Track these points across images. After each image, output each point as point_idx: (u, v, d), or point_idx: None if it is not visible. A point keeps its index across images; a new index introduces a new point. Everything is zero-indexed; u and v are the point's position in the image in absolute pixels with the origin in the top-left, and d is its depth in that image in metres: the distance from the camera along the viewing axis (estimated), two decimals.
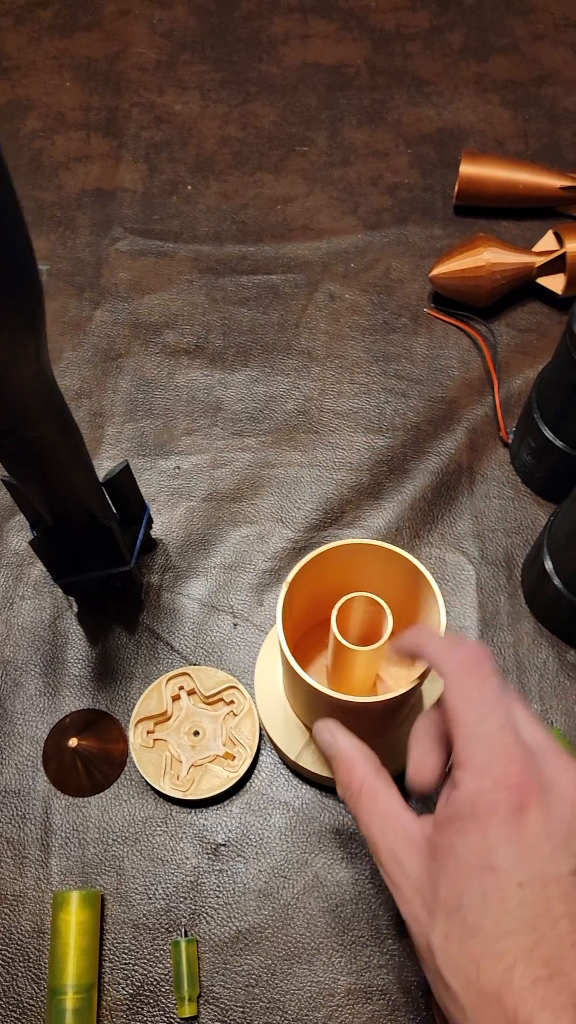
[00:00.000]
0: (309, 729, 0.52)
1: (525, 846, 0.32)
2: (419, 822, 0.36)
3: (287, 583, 0.45)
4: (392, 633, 0.43)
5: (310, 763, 0.52)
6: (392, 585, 0.47)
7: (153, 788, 0.54)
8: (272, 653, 0.56)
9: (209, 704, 0.56)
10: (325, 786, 0.55)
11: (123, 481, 0.54)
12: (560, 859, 0.32)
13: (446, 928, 0.32)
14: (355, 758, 0.40)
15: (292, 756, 0.52)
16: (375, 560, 0.46)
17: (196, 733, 0.55)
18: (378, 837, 0.37)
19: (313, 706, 0.47)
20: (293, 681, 0.45)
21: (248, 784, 0.55)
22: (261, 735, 0.55)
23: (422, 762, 0.38)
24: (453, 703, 0.35)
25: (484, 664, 0.36)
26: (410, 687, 0.42)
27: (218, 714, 0.56)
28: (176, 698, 0.57)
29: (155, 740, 0.55)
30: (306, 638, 0.55)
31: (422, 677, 0.43)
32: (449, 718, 0.35)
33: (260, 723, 0.55)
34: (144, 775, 0.54)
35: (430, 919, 0.33)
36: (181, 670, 0.57)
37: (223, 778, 0.54)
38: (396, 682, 0.52)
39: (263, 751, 0.56)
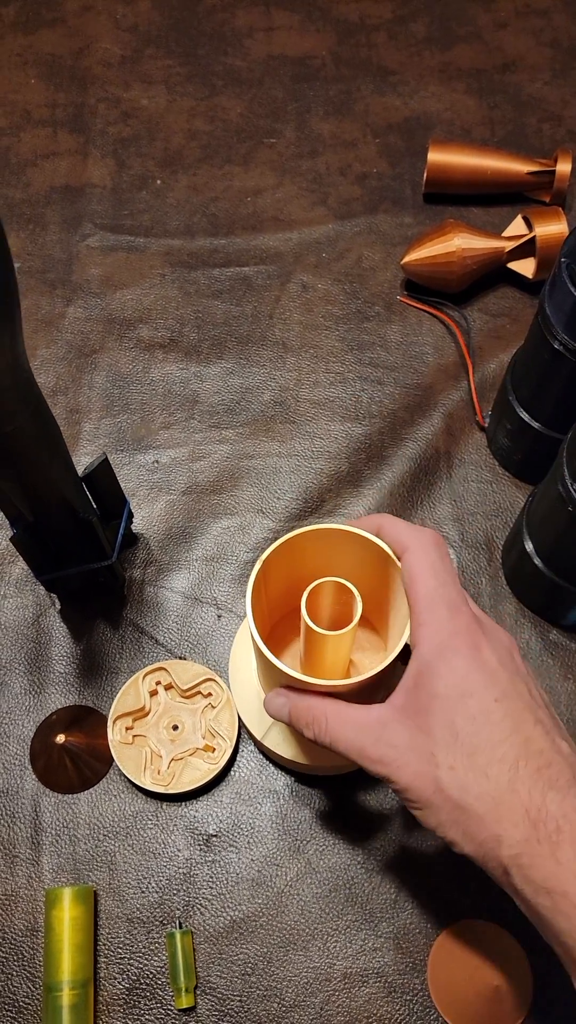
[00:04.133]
0: None
1: (489, 672, 0.38)
2: (383, 707, 0.40)
3: (256, 569, 0.45)
4: (361, 617, 0.43)
5: (275, 743, 0.52)
6: (365, 570, 0.47)
7: (133, 784, 0.54)
8: (247, 639, 0.56)
9: (187, 698, 0.56)
10: (299, 774, 0.55)
11: (102, 475, 0.54)
12: (516, 681, 0.39)
13: (450, 759, 0.37)
14: (308, 700, 0.43)
15: (259, 736, 0.53)
16: (347, 545, 0.46)
17: (175, 727, 0.55)
18: (360, 738, 0.40)
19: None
20: (265, 666, 0.45)
21: (235, 774, 0.55)
22: (240, 725, 0.55)
23: None
24: (417, 571, 0.41)
25: (443, 546, 0.42)
26: (380, 668, 0.42)
27: (196, 707, 0.56)
28: (154, 693, 0.56)
29: (134, 736, 0.55)
30: (281, 624, 0.55)
31: (394, 661, 0.43)
32: (411, 585, 0.41)
33: (237, 710, 0.55)
34: (124, 771, 0.54)
35: (432, 762, 0.37)
36: (157, 665, 0.57)
37: (204, 771, 0.54)
38: (369, 670, 0.52)
39: (243, 741, 0.56)
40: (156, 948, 0.51)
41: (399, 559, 0.43)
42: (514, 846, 0.35)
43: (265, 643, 0.44)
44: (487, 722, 0.37)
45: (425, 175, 0.76)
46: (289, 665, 0.43)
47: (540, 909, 0.34)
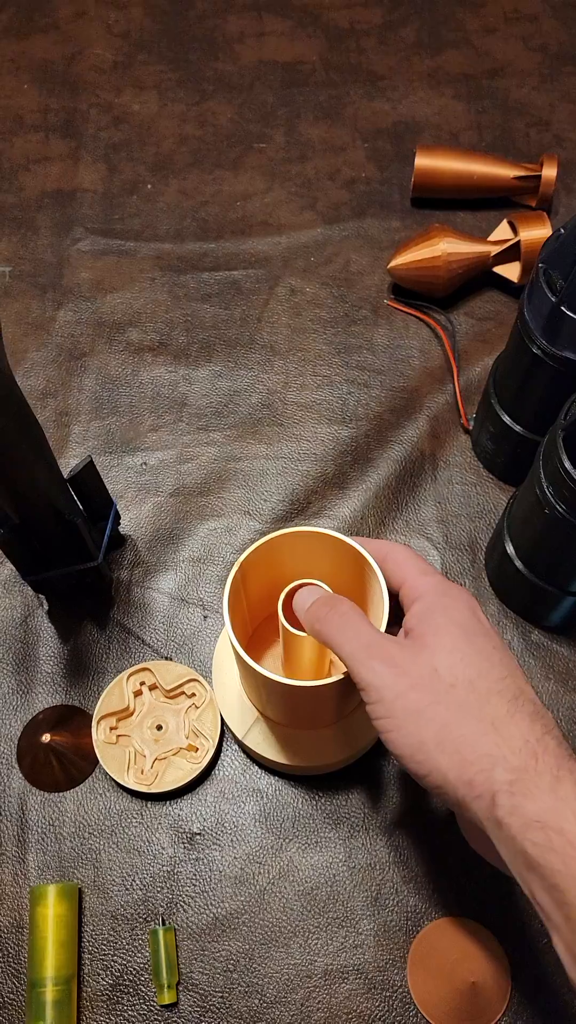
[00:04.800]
0: (259, 711, 0.53)
1: (486, 629, 0.40)
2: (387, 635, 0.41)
3: (233, 572, 0.45)
4: None
5: (256, 743, 0.53)
6: (342, 572, 0.48)
7: (118, 784, 0.55)
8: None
9: (171, 698, 0.57)
10: (282, 774, 0.55)
11: (88, 477, 0.55)
12: (505, 647, 0.40)
13: (451, 676, 0.37)
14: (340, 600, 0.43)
15: (240, 735, 0.53)
16: (324, 548, 0.47)
17: (159, 727, 0.56)
18: (366, 635, 0.40)
19: (264, 691, 0.48)
20: (244, 668, 0.46)
21: (218, 773, 0.56)
22: (223, 725, 0.56)
23: None
24: (405, 565, 0.43)
25: (419, 555, 0.45)
26: None
27: (180, 707, 0.57)
28: (138, 693, 0.57)
29: (118, 736, 0.56)
30: (263, 626, 0.56)
31: None
32: (399, 578, 0.43)
33: (220, 710, 0.55)
34: (108, 771, 0.54)
35: (434, 676, 0.37)
36: (141, 665, 0.57)
37: (186, 770, 0.55)
38: None
39: (226, 741, 0.56)
40: (139, 945, 0.51)
41: (383, 565, 0.45)
42: (510, 771, 0.33)
43: (247, 646, 0.44)
44: (488, 660, 0.37)
45: (412, 180, 0.77)
46: (271, 667, 0.44)
47: (527, 845, 0.32)
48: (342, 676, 0.42)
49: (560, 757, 0.33)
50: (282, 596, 0.44)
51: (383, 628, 0.43)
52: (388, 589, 0.44)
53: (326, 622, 0.41)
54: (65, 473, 0.53)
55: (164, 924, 0.51)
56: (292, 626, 0.44)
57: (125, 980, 0.50)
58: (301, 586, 0.45)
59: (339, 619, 0.41)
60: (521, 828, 0.32)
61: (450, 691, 0.36)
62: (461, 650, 0.38)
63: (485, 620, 0.41)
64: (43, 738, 0.54)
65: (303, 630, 0.44)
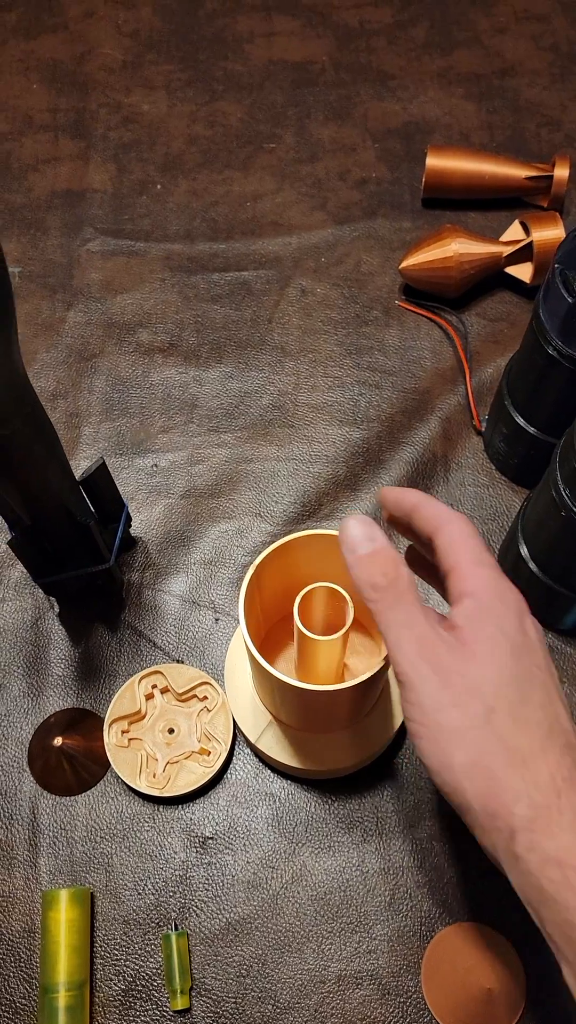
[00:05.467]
0: (272, 714, 0.53)
1: (530, 642, 0.37)
2: (441, 630, 0.38)
3: (248, 576, 0.45)
4: (353, 623, 0.44)
5: (268, 747, 0.53)
6: None
7: (129, 787, 0.54)
8: (243, 642, 0.57)
9: (182, 701, 0.57)
10: (294, 777, 0.55)
11: (100, 479, 0.54)
12: (549, 659, 0.38)
13: (492, 700, 0.35)
14: (399, 563, 0.39)
15: (253, 739, 0.53)
16: (339, 550, 0.46)
17: (171, 730, 0.56)
18: (418, 644, 0.37)
19: (278, 695, 0.47)
20: (258, 670, 0.46)
21: (230, 777, 0.55)
22: (235, 729, 0.56)
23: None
24: (460, 548, 0.39)
25: (477, 530, 0.40)
26: (372, 673, 0.42)
27: (192, 710, 0.56)
28: (150, 696, 0.57)
29: (130, 739, 0.55)
30: (277, 629, 0.55)
31: (385, 664, 0.43)
32: (451, 561, 0.39)
33: (232, 714, 0.55)
34: (120, 774, 0.54)
35: (476, 694, 0.35)
36: (153, 668, 0.57)
37: (199, 774, 0.54)
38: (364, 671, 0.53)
39: (239, 745, 0.56)
40: (152, 950, 0.51)
41: (434, 536, 0.40)
42: (532, 808, 0.33)
43: (260, 648, 0.44)
44: (529, 683, 0.36)
45: (424, 180, 0.76)
46: (284, 670, 0.44)
47: (544, 882, 0.32)
48: (358, 681, 0.42)
49: None
50: (298, 600, 0.44)
51: None
52: (435, 566, 0.41)
53: (382, 595, 0.38)
54: (77, 475, 0.53)
55: (176, 929, 0.51)
56: (308, 629, 0.44)
57: (137, 985, 0.50)
58: (314, 591, 0.45)
59: (394, 597, 0.37)
60: (539, 864, 0.32)
61: (489, 717, 0.35)
62: (508, 670, 0.36)
63: (532, 630, 0.38)
64: (55, 741, 0.54)
65: (319, 633, 0.44)
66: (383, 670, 0.43)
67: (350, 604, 0.44)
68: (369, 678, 0.43)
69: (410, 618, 0.37)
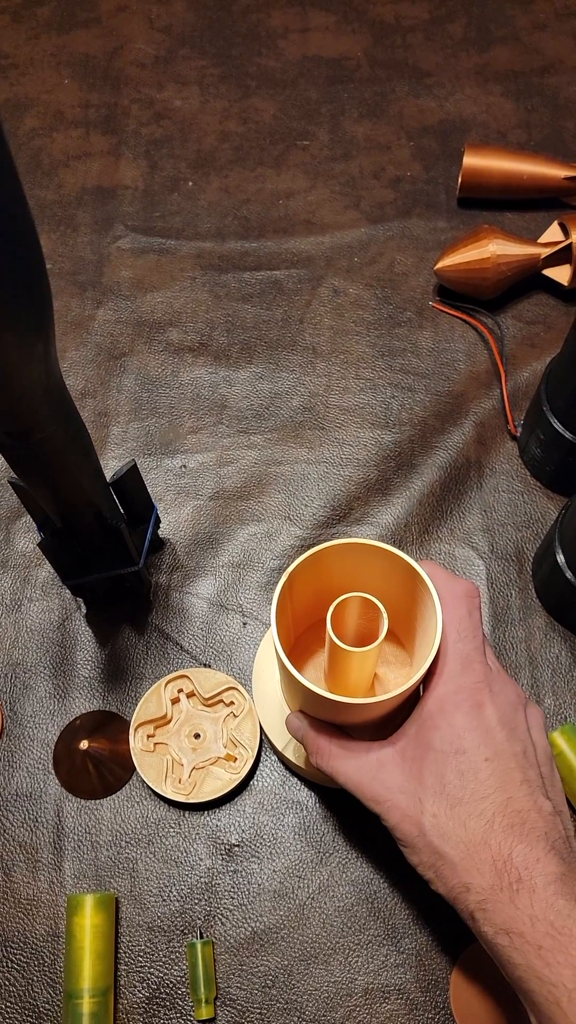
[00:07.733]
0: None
1: (485, 731, 0.40)
2: (386, 747, 0.43)
3: (281, 584, 0.44)
4: (388, 634, 0.43)
5: (297, 756, 0.52)
6: (391, 584, 0.46)
7: (155, 792, 0.54)
8: (271, 648, 0.56)
9: (209, 706, 0.56)
10: (322, 787, 0.54)
11: (131, 481, 0.54)
12: (513, 740, 0.41)
13: (434, 807, 0.40)
14: (320, 728, 0.46)
15: (280, 747, 0.52)
16: (375, 560, 0.46)
17: (197, 736, 0.55)
18: (358, 774, 0.43)
19: (308, 705, 0.46)
20: (289, 682, 0.45)
21: (256, 784, 0.55)
22: (262, 735, 0.55)
23: None
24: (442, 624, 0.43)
25: (474, 599, 0.44)
26: (402, 689, 0.42)
27: (218, 716, 0.56)
28: (176, 701, 0.56)
29: (156, 744, 0.55)
30: (306, 635, 0.55)
31: (419, 680, 0.42)
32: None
33: (259, 720, 0.54)
34: (145, 779, 0.53)
35: (419, 807, 0.40)
36: (180, 672, 0.56)
37: (225, 780, 0.54)
38: (395, 684, 0.52)
39: (265, 751, 0.55)
40: (176, 957, 0.50)
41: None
42: (480, 893, 0.38)
43: (290, 655, 0.43)
44: (474, 779, 0.40)
45: (460, 179, 0.75)
46: (312, 677, 0.43)
47: (498, 949, 0.38)
48: (394, 695, 0.41)
49: (521, 867, 0.37)
50: (331, 610, 0.43)
51: (435, 650, 0.42)
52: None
53: (321, 758, 0.45)
54: (106, 476, 0.52)
55: (202, 937, 0.51)
56: (340, 639, 0.43)
57: (162, 993, 0.50)
58: (347, 601, 0.44)
59: (330, 757, 0.44)
60: (492, 935, 0.38)
61: (433, 822, 0.40)
62: (446, 778, 0.40)
63: (488, 716, 0.41)
64: (81, 744, 0.54)
65: (351, 643, 0.43)
66: (417, 684, 0.42)
67: (384, 616, 0.43)
68: (400, 694, 0.42)
69: (345, 765, 0.44)
